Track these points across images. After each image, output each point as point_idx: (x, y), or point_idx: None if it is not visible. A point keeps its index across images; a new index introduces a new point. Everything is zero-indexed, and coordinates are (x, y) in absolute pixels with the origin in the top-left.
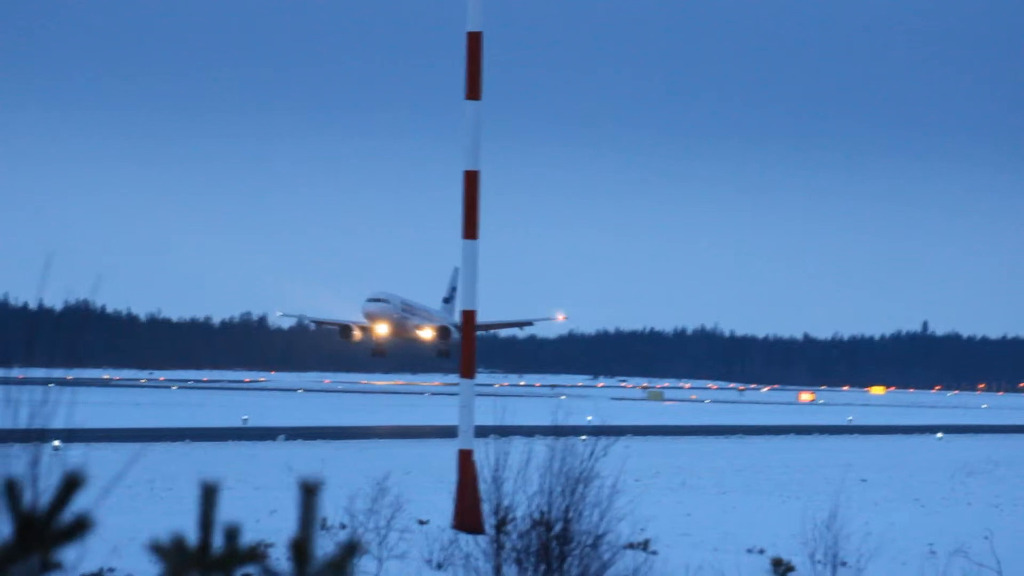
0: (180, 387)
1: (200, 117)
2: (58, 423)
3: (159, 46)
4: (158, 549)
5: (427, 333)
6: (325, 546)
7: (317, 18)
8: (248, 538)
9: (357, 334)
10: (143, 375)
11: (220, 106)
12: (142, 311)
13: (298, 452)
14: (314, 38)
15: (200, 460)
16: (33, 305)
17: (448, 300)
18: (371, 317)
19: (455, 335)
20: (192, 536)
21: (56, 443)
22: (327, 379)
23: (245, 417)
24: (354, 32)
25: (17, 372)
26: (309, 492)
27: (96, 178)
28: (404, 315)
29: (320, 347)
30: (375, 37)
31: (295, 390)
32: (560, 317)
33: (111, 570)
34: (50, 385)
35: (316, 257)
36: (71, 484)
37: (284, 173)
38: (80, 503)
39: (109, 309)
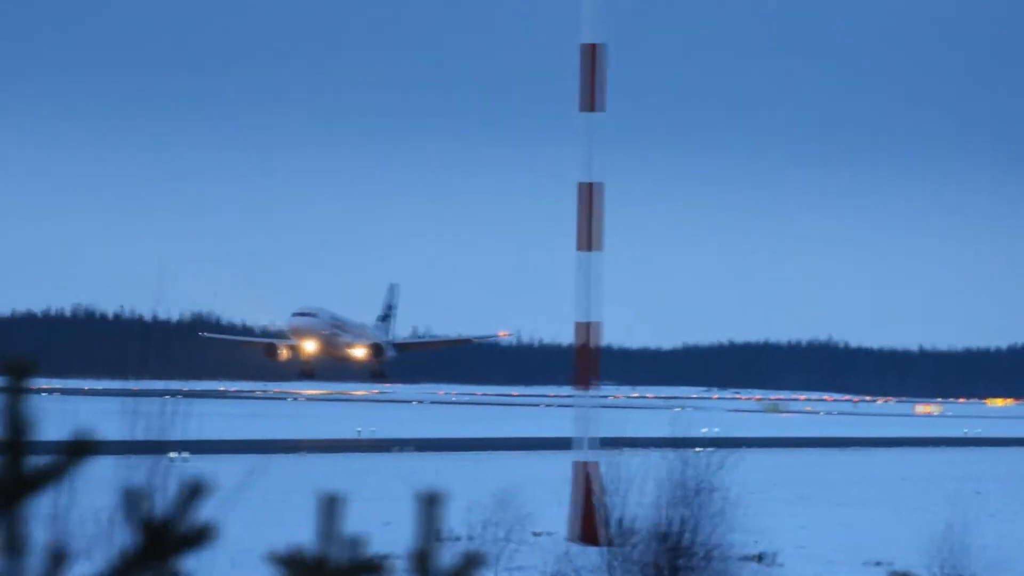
0: (297, 399)
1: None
2: (178, 434)
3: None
4: (277, 560)
5: (359, 351)
6: (445, 557)
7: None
8: (367, 550)
9: (283, 352)
10: (260, 387)
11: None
12: (258, 324)
13: (414, 464)
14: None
15: (317, 472)
16: (150, 318)
17: (385, 318)
18: (297, 333)
19: (389, 353)
20: (310, 547)
21: (176, 454)
22: (442, 391)
23: (359, 429)
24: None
25: (137, 384)
26: (429, 503)
27: (220, 194)
28: (334, 331)
29: (436, 359)
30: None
31: (411, 402)
32: (502, 334)
33: None
34: (169, 397)
35: (435, 266)
36: (193, 494)
37: (379, 189)
38: (201, 514)
39: (224, 321)
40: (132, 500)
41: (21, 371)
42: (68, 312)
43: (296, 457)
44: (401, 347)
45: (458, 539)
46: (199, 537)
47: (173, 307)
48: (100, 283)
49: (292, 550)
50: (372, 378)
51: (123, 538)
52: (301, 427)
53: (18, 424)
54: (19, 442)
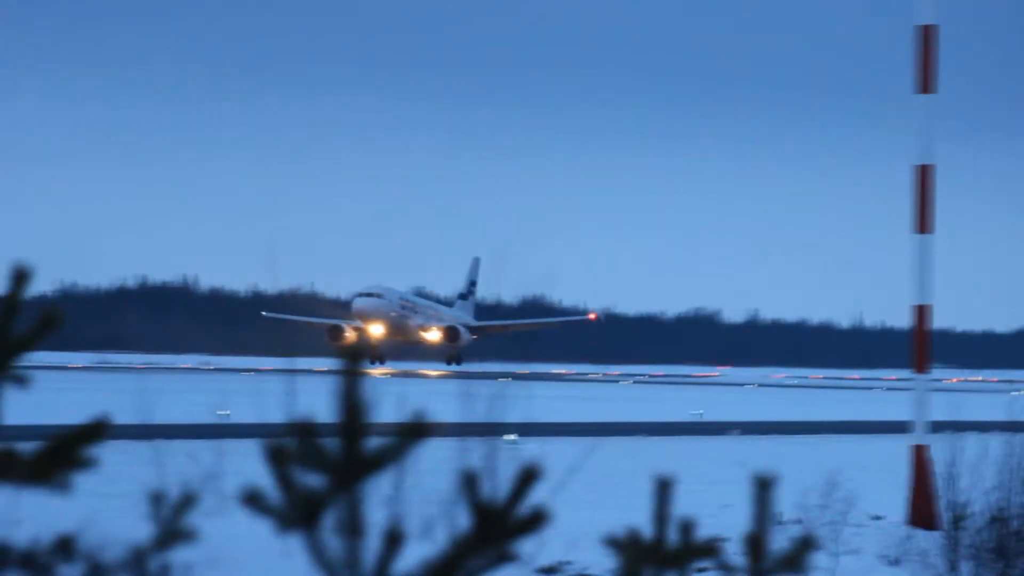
0: (633, 382)
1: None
2: (514, 417)
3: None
4: (614, 543)
5: (432, 335)
6: (779, 540)
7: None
8: (701, 532)
9: (350, 335)
10: (596, 370)
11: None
12: (596, 306)
13: (750, 447)
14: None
15: (652, 454)
16: (492, 301)
17: (465, 296)
18: (362, 315)
19: (465, 337)
20: (646, 530)
21: (512, 436)
22: (778, 373)
23: (699, 412)
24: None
25: (475, 367)
26: (764, 487)
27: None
28: (403, 313)
29: (770, 341)
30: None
31: (747, 385)
32: (591, 316)
33: (568, 563)
34: (505, 379)
35: (768, 251)
36: (528, 476)
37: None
38: (536, 496)
39: (566, 303)
40: (468, 482)
41: (356, 354)
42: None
43: (630, 439)
44: (478, 330)
45: (797, 522)
46: (534, 520)
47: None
48: (427, 265)
49: (628, 533)
50: (447, 363)
51: (460, 520)
52: (635, 409)
53: (354, 407)
54: (355, 424)
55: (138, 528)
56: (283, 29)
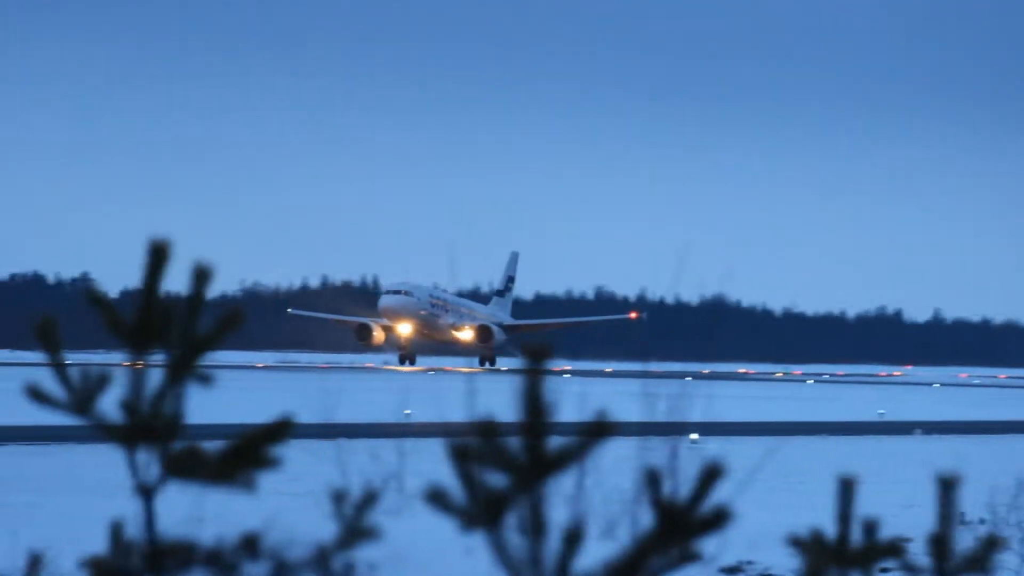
0: (815, 381)
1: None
2: (696, 416)
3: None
4: (797, 543)
5: (465, 334)
6: (964, 541)
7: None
8: (885, 532)
9: (379, 335)
10: (779, 369)
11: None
12: (777, 305)
13: (934, 446)
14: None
15: (835, 454)
16: (670, 300)
17: (502, 292)
18: (389, 314)
19: (499, 336)
20: (830, 530)
21: (694, 435)
22: (963, 373)
23: (882, 411)
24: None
25: (656, 366)
26: (948, 486)
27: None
28: (433, 312)
29: (953, 340)
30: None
31: (931, 384)
32: (633, 315)
33: (750, 563)
34: (687, 379)
35: (949, 250)
36: (711, 475)
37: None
38: (719, 495)
39: (745, 303)
40: (650, 481)
41: (539, 354)
42: (591, 295)
43: (813, 439)
44: (513, 329)
45: (982, 522)
46: (716, 519)
47: (679, 291)
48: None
49: (812, 533)
50: (480, 364)
51: (642, 519)
52: (818, 409)
53: (537, 406)
54: (538, 423)
55: (322, 527)
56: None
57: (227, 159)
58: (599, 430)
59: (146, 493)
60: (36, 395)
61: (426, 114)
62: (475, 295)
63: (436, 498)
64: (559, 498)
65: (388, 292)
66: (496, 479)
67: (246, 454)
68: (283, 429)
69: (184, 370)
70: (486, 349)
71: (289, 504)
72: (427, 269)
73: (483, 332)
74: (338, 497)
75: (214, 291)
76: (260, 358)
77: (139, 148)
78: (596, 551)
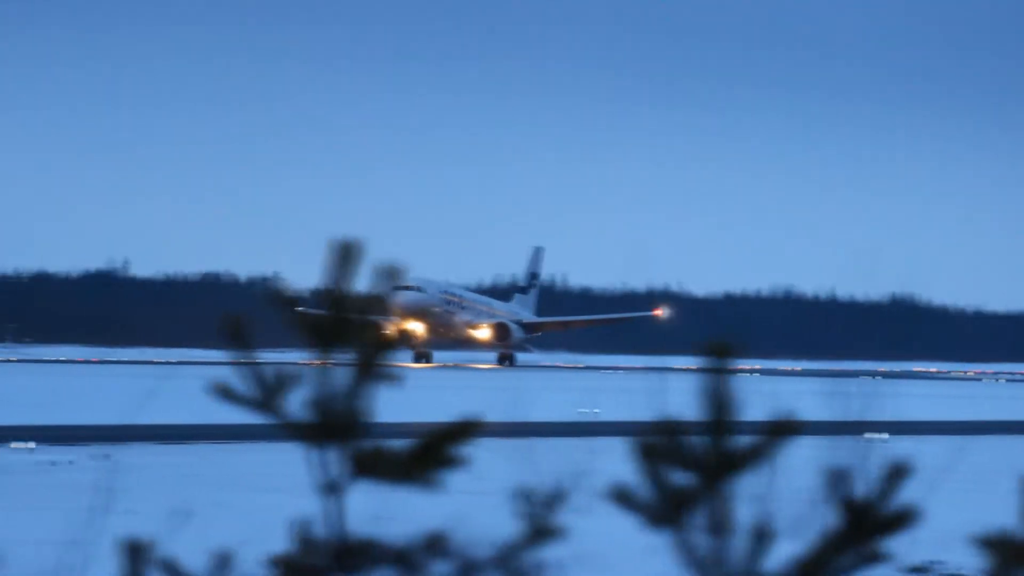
0: (1007, 380)
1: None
2: (885, 415)
3: None
4: (985, 543)
5: (483, 332)
6: None
7: None
8: None
9: (391, 332)
10: (969, 368)
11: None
12: (966, 304)
13: None
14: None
15: (1019, 454)
16: (860, 298)
17: (525, 289)
18: (399, 311)
19: (516, 335)
20: (1019, 530)
21: (880, 434)
22: None
23: None
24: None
25: (844, 364)
26: None
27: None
28: (448, 309)
29: None
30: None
31: None
32: (657, 312)
33: (938, 562)
34: (874, 378)
35: None
36: (897, 474)
37: None
38: (906, 495)
39: (936, 302)
40: (836, 480)
41: (723, 352)
42: (769, 292)
43: (1001, 438)
44: (534, 327)
45: None
46: (903, 518)
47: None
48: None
49: (999, 533)
50: (500, 363)
51: (826, 519)
52: (1006, 408)
53: (721, 404)
54: (722, 422)
55: (507, 526)
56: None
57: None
58: (784, 429)
59: (333, 492)
60: (224, 393)
61: (488, 102)
62: (496, 292)
63: (621, 497)
64: (744, 497)
65: (400, 288)
66: (681, 478)
67: (432, 453)
68: (468, 428)
69: (370, 369)
70: (504, 347)
71: (475, 503)
72: (455, 264)
73: (500, 330)
74: (525, 496)
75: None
76: (446, 357)
77: (325, 151)
78: (782, 550)
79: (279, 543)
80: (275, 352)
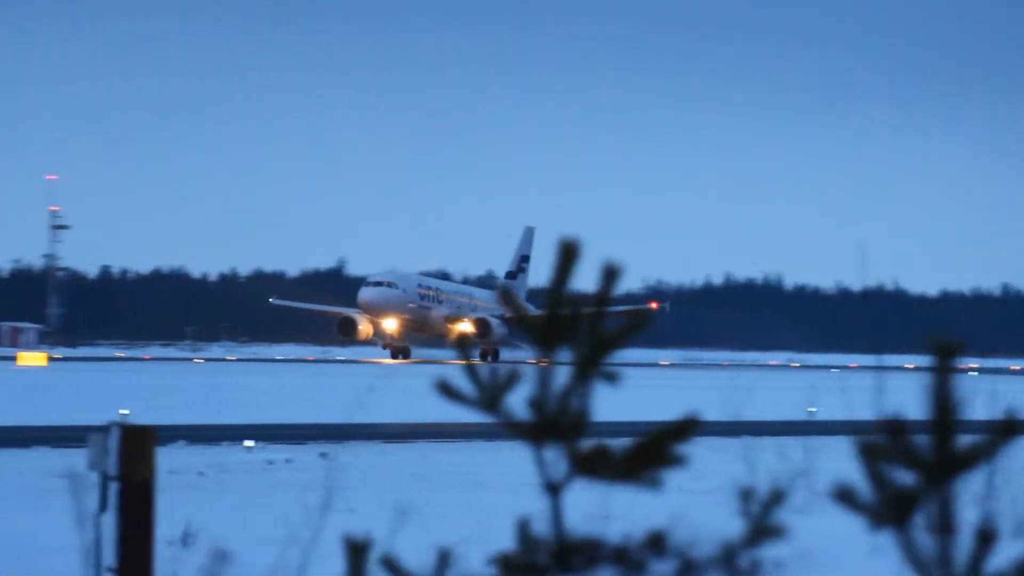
0: None
1: None
2: None
3: None
4: None
5: (464, 326)
6: None
7: None
8: None
9: (365, 329)
10: None
11: None
12: None
13: None
14: None
15: None
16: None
17: (514, 274)
18: (370, 309)
19: (498, 331)
20: None
21: None
22: None
23: None
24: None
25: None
26: None
27: None
28: (424, 304)
29: None
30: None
31: None
32: (653, 305)
33: None
34: None
35: None
36: None
37: None
38: None
39: None
40: None
41: (949, 351)
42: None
43: None
44: (518, 320)
45: None
46: None
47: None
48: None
49: None
50: (482, 358)
51: None
52: None
53: (946, 403)
54: (947, 421)
55: (728, 525)
56: None
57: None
58: (1009, 428)
59: (554, 490)
60: (447, 391)
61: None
62: (484, 282)
63: (844, 496)
64: (968, 497)
65: (369, 284)
66: (905, 477)
67: (652, 452)
68: (689, 427)
69: (591, 368)
70: (485, 343)
71: (696, 502)
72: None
73: (481, 326)
74: (746, 495)
75: (620, 289)
76: (667, 355)
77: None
78: (1006, 550)
79: (500, 542)
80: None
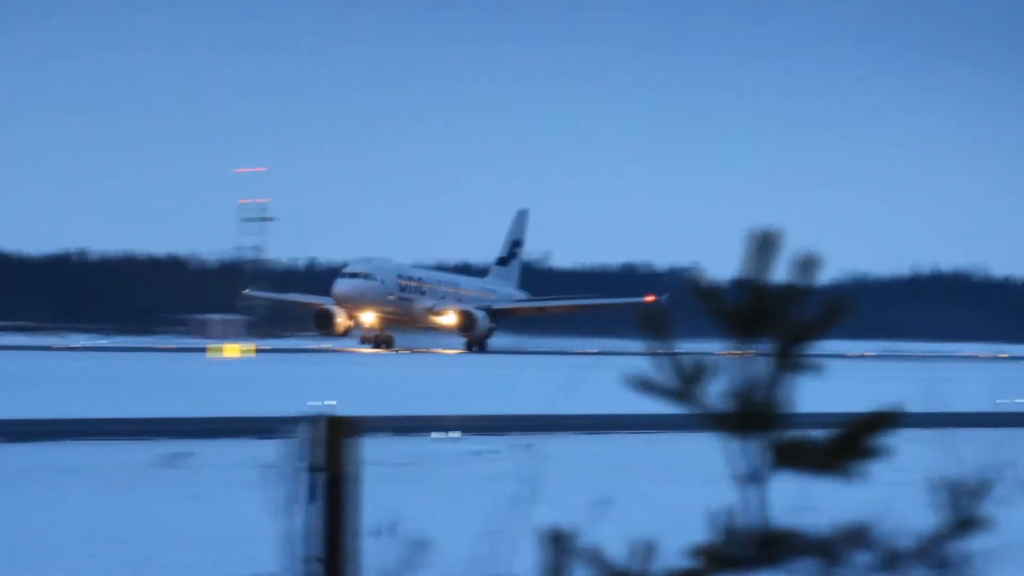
0: None
1: None
2: None
3: None
4: None
5: (447, 319)
6: None
7: None
8: None
9: (342, 322)
10: None
11: None
12: None
13: None
14: None
15: None
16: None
17: (506, 260)
18: (346, 302)
19: (482, 324)
20: None
21: None
22: None
23: None
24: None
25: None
26: None
27: None
28: (404, 296)
29: None
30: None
31: None
32: (648, 298)
33: None
34: None
35: None
36: None
37: None
38: None
39: None
40: None
41: None
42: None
43: None
44: (502, 313)
45: None
46: None
47: None
48: None
49: None
50: (467, 348)
51: None
52: None
53: None
54: None
55: (930, 517)
56: None
57: None
58: None
59: (754, 482)
60: (642, 384)
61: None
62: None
63: None
64: None
65: (344, 275)
66: None
67: (853, 444)
68: (889, 418)
69: (792, 359)
70: (469, 337)
71: (897, 494)
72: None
73: (464, 319)
74: (948, 487)
75: (823, 279)
76: (867, 347)
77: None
78: None
79: (699, 533)
80: (693, 342)
